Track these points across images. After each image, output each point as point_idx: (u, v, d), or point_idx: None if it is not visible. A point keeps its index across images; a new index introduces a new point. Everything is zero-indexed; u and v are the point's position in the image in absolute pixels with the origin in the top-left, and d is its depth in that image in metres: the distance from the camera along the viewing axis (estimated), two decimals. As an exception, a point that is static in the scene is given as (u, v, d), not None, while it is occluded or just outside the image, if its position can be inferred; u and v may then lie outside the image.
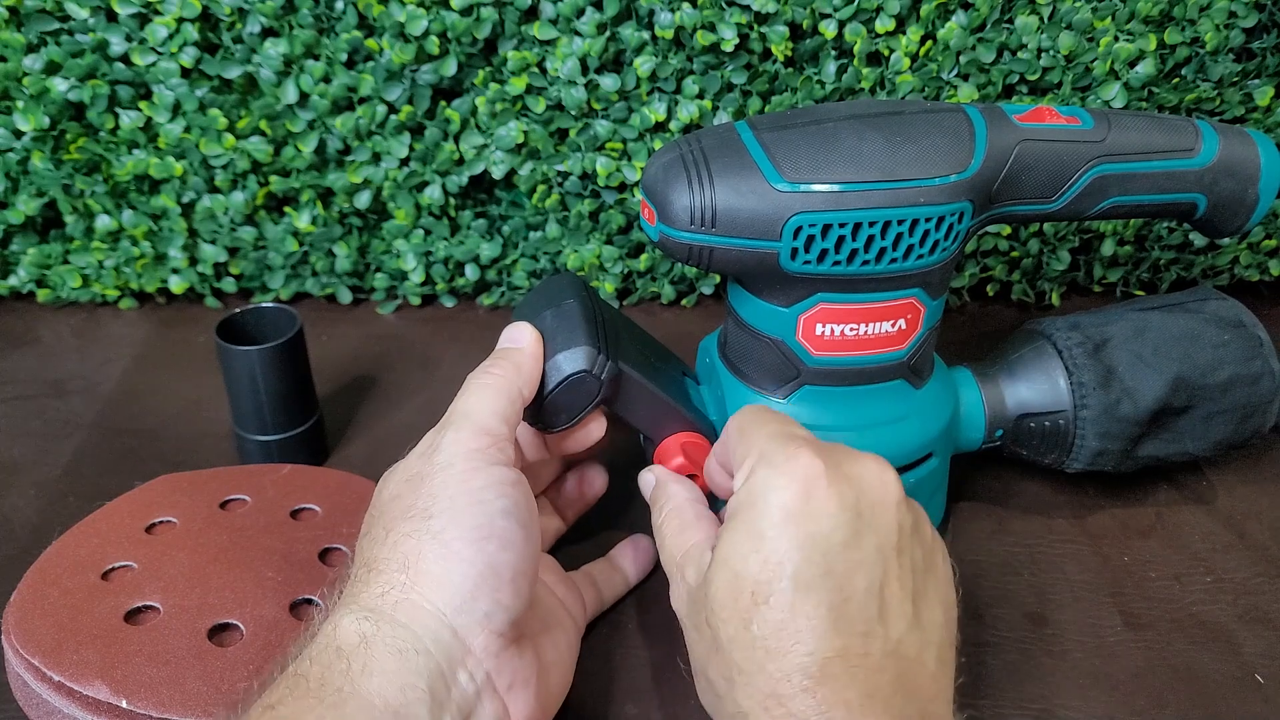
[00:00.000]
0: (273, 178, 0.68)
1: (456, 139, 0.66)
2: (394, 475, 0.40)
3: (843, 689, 0.32)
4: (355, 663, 0.33)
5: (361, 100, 0.65)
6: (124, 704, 0.39)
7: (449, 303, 0.75)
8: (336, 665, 0.33)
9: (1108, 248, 0.72)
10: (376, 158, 0.67)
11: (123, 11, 0.62)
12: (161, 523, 0.48)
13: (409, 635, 0.34)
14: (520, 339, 0.44)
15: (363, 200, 0.68)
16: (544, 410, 0.44)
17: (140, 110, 0.65)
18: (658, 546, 0.43)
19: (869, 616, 0.34)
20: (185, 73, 0.64)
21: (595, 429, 0.49)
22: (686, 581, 0.39)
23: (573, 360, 0.44)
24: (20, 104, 0.64)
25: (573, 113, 0.65)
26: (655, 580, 0.52)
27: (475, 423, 0.40)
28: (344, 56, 0.64)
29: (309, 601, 0.44)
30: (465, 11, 0.62)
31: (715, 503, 0.45)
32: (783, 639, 0.33)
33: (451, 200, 0.69)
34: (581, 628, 0.46)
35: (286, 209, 0.69)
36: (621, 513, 0.55)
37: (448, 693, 0.35)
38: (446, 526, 0.37)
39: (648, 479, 0.46)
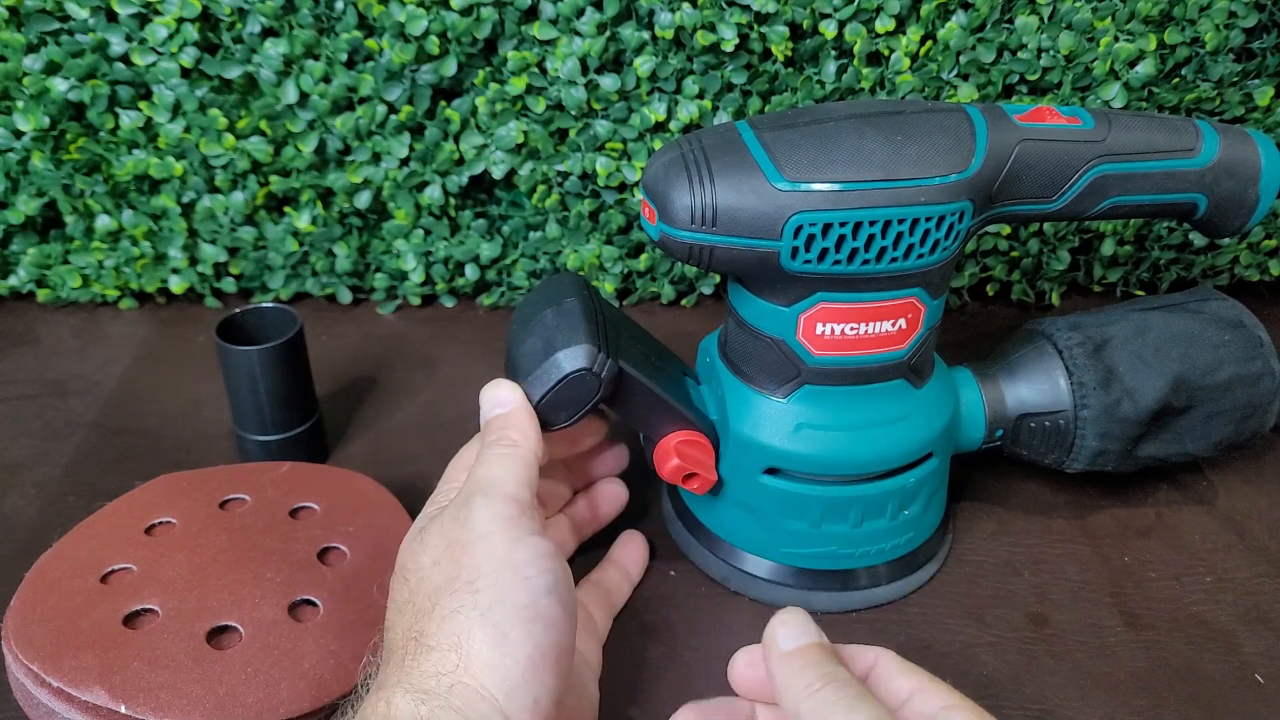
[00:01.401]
0: (273, 178, 0.68)
1: (456, 139, 0.66)
2: (427, 539, 0.39)
3: None
4: None
5: (361, 100, 0.65)
6: (123, 709, 0.39)
7: (449, 303, 0.75)
8: None
9: (1108, 248, 0.72)
10: (376, 158, 0.67)
11: (123, 11, 0.62)
12: (161, 524, 0.48)
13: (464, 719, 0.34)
14: (506, 400, 0.44)
15: (363, 200, 0.68)
16: (543, 408, 0.44)
17: (140, 110, 0.65)
18: None
19: None
20: (185, 73, 0.64)
21: (590, 434, 0.49)
22: None
23: (573, 358, 0.44)
24: (20, 104, 0.64)
25: (573, 113, 0.65)
26: (655, 580, 0.52)
27: (504, 491, 0.40)
28: (344, 56, 0.64)
29: (307, 602, 0.44)
30: (465, 11, 0.62)
31: None
32: None
33: (451, 200, 0.69)
34: (601, 645, 0.46)
35: (286, 209, 0.69)
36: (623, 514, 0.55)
37: None
38: (494, 605, 0.36)
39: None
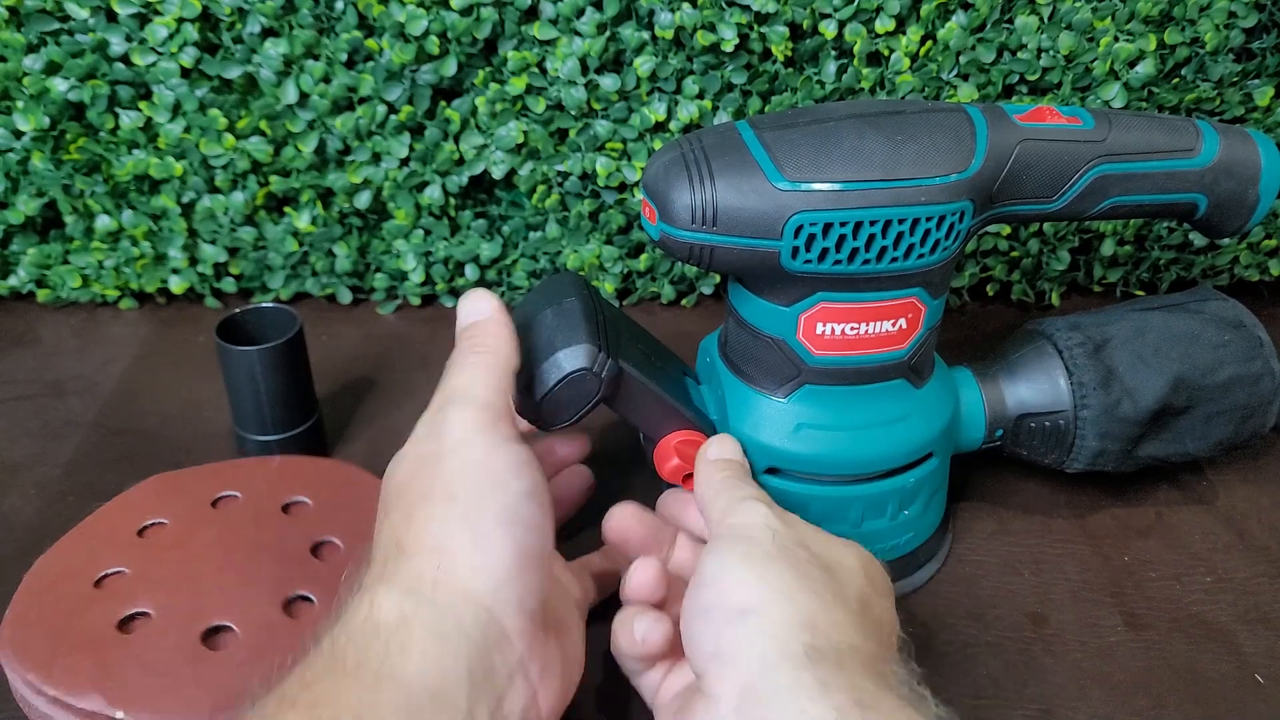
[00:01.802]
0: (273, 178, 0.68)
1: (456, 139, 0.66)
2: (403, 460, 0.39)
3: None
4: (394, 643, 0.33)
5: (361, 100, 0.65)
6: (120, 715, 0.39)
7: (449, 303, 0.75)
8: (374, 645, 0.32)
9: (1108, 248, 0.72)
10: (376, 158, 0.67)
11: (123, 11, 0.62)
12: (153, 525, 0.48)
13: (450, 617, 0.34)
14: (483, 308, 0.43)
15: (363, 200, 0.68)
16: (543, 408, 0.44)
17: (140, 110, 0.65)
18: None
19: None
20: (185, 73, 0.64)
21: (574, 449, 0.50)
22: None
23: (573, 358, 0.44)
24: (20, 104, 0.64)
25: (573, 113, 0.65)
26: (655, 580, 0.52)
27: (477, 398, 0.39)
28: (344, 56, 0.64)
29: (302, 598, 0.44)
30: (465, 11, 0.62)
31: None
32: None
33: (451, 200, 0.69)
34: (584, 618, 0.46)
35: (286, 209, 0.69)
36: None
37: (485, 676, 0.34)
38: (472, 510, 0.36)
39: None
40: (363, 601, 0.34)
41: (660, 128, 0.66)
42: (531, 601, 0.36)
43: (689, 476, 0.48)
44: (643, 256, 0.72)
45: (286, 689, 0.32)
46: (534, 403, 0.44)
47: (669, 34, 0.62)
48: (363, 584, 0.36)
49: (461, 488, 0.37)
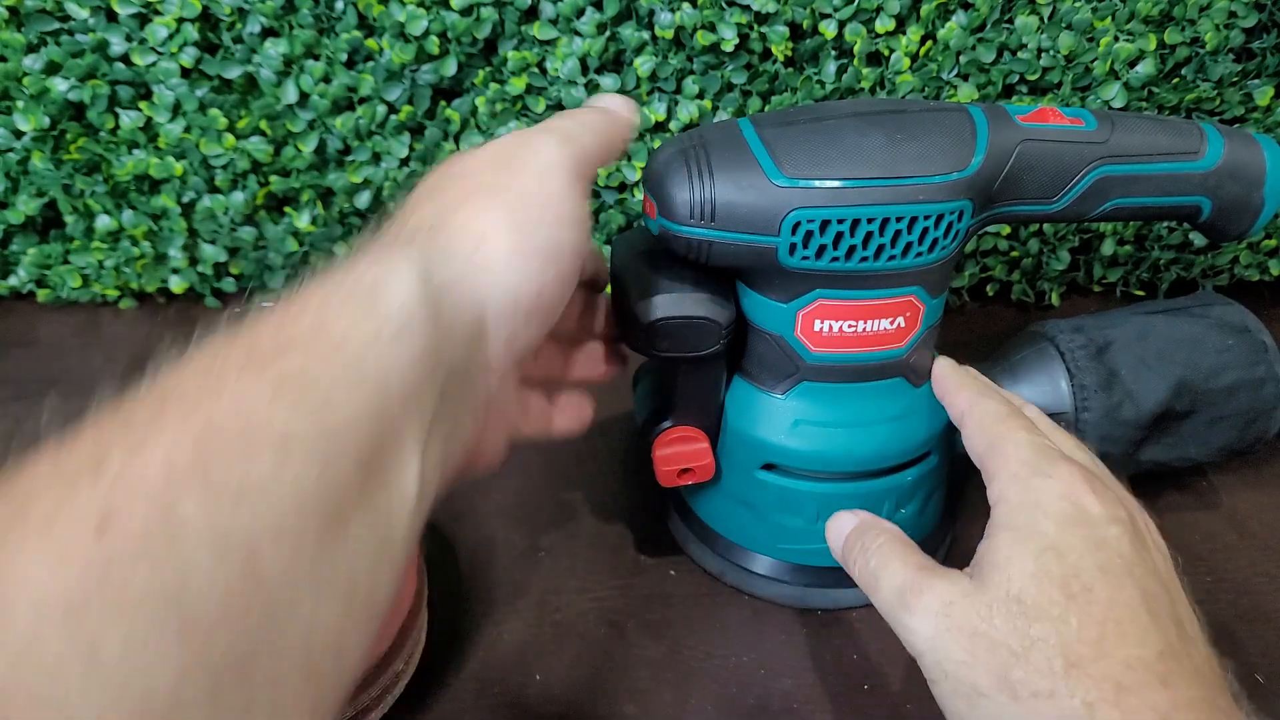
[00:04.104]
0: (273, 178, 0.68)
1: (457, 139, 0.66)
2: (481, 151, 0.37)
3: (1186, 686, 0.32)
4: (386, 333, 0.28)
5: (361, 100, 0.65)
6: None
7: (449, 303, 0.74)
8: (367, 323, 0.28)
9: (1108, 248, 0.72)
10: (376, 158, 0.67)
11: (123, 11, 0.62)
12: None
13: (449, 320, 0.31)
14: (617, 105, 0.41)
15: (363, 200, 0.68)
16: (653, 330, 0.43)
17: (140, 110, 0.65)
18: (872, 588, 0.39)
19: (1169, 613, 0.35)
20: (185, 73, 0.64)
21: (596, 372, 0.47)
22: (941, 601, 0.36)
23: (713, 308, 0.43)
24: (20, 104, 0.64)
25: (573, 113, 0.65)
26: (655, 579, 0.51)
27: (576, 144, 0.37)
28: (344, 56, 0.64)
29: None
30: (465, 11, 0.62)
31: None
32: (1107, 629, 0.33)
33: (451, 200, 0.69)
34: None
35: (286, 209, 0.69)
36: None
37: (456, 394, 0.32)
38: (529, 231, 0.34)
39: (846, 521, 0.42)
40: (371, 266, 0.30)
41: (660, 128, 0.66)
42: (523, 342, 0.34)
43: (684, 472, 0.48)
44: (643, 257, 0.72)
45: (259, 338, 0.27)
46: (650, 319, 0.43)
47: (669, 34, 0.62)
48: (373, 257, 0.31)
49: (530, 206, 0.34)
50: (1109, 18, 0.62)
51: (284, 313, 0.28)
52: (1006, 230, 0.71)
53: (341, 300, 0.29)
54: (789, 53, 0.63)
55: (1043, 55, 0.64)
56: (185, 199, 0.68)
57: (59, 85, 0.64)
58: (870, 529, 0.41)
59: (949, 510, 0.54)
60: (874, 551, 0.39)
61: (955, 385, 0.45)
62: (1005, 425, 0.40)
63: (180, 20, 0.62)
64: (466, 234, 0.33)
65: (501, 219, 0.34)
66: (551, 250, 0.34)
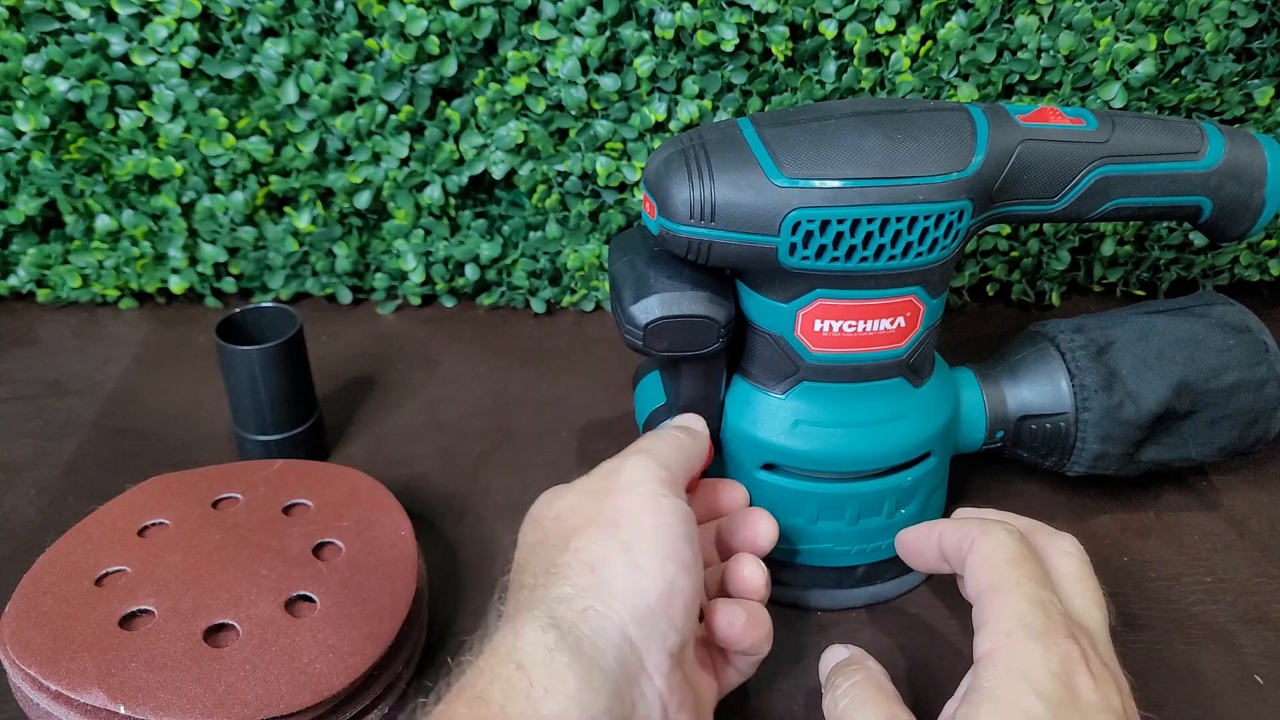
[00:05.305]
0: (273, 178, 0.68)
1: (456, 139, 0.66)
2: (567, 492, 0.40)
3: None
4: (537, 683, 0.32)
5: (361, 100, 0.65)
6: (122, 710, 0.39)
7: (449, 303, 0.75)
8: (518, 685, 0.32)
9: (1108, 248, 0.72)
10: (376, 158, 0.67)
11: (123, 11, 0.62)
12: (154, 525, 0.48)
13: (593, 650, 0.34)
14: (695, 424, 0.46)
15: (363, 200, 0.68)
16: (652, 329, 0.44)
17: (140, 110, 0.65)
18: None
19: None
20: (185, 73, 0.64)
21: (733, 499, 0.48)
22: None
23: (712, 306, 0.44)
24: (20, 104, 0.64)
25: (573, 113, 0.65)
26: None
27: (658, 458, 0.41)
28: (344, 56, 0.64)
29: (304, 598, 0.44)
30: (465, 11, 0.62)
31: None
32: None
33: (451, 200, 0.69)
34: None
35: (286, 209, 0.69)
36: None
37: (624, 711, 0.34)
38: (634, 540, 0.37)
39: (838, 654, 0.43)
40: (508, 631, 0.34)
41: (660, 128, 0.66)
42: (674, 638, 0.36)
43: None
44: (643, 257, 0.72)
45: None
46: (651, 320, 0.44)
47: (669, 34, 0.62)
48: (509, 615, 0.36)
49: (626, 519, 0.38)
50: (1109, 18, 0.62)
51: (447, 704, 0.32)
52: (1006, 230, 0.71)
53: (490, 677, 0.33)
54: (789, 53, 0.63)
55: (1043, 55, 0.64)
56: (185, 199, 0.68)
57: (59, 85, 0.64)
58: (851, 664, 0.41)
59: (949, 510, 0.54)
60: (845, 691, 0.39)
61: (968, 513, 0.44)
62: (1015, 570, 0.37)
63: (180, 20, 0.62)
64: (580, 569, 0.36)
65: (608, 540, 0.37)
66: (664, 549, 0.37)
